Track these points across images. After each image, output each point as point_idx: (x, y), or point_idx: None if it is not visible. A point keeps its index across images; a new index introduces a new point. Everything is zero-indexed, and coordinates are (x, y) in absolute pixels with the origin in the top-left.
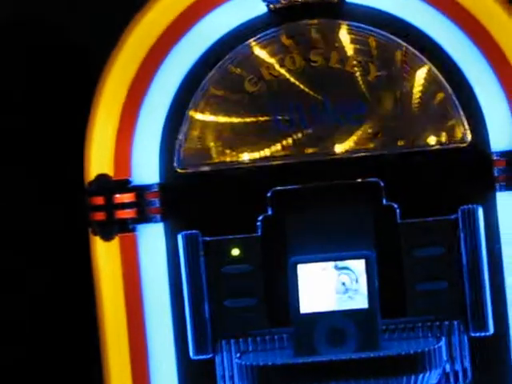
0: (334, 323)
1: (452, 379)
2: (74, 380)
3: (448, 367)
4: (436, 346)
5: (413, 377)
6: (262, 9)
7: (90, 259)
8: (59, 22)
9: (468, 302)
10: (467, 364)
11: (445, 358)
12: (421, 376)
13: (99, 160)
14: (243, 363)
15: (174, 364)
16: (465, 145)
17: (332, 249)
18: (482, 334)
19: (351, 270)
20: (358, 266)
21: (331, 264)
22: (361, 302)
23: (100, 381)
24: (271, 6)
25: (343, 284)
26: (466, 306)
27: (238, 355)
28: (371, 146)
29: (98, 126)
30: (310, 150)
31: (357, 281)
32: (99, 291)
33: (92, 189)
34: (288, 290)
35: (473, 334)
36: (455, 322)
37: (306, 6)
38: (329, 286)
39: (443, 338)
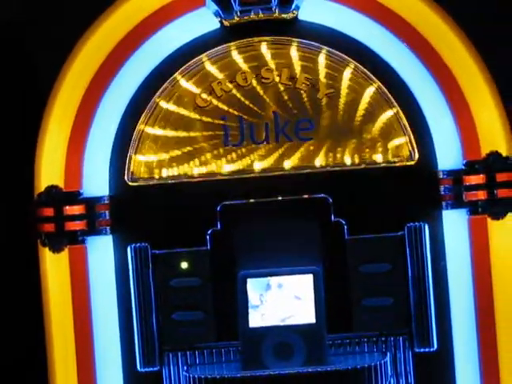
0: (281, 337)
1: None
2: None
3: (393, 382)
4: (382, 361)
5: None
6: (215, 24)
7: (37, 270)
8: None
9: (413, 317)
10: (411, 379)
11: (390, 373)
12: None
13: (50, 171)
14: (191, 375)
15: (120, 376)
16: (412, 163)
17: (280, 263)
18: (427, 349)
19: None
20: (306, 281)
21: (280, 278)
22: (308, 316)
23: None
24: (225, 22)
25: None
26: (411, 322)
27: (186, 368)
28: (320, 162)
29: (49, 137)
30: (259, 166)
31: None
32: (47, 302)
33: (42, 200)
34: (236, 303)
35: (417, 350)
36: (400, 338)
37: (259, 22)
38: (277, 300)
39: (388, 354)
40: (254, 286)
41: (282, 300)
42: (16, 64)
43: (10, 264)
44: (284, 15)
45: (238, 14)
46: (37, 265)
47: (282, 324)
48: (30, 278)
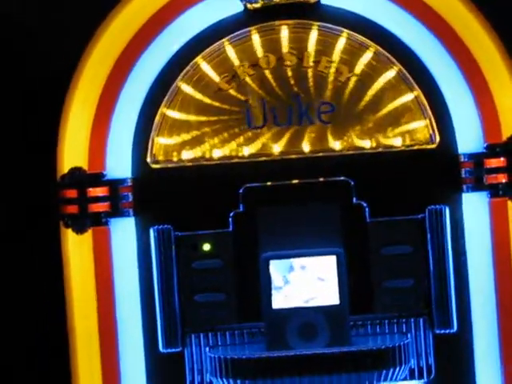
0: (305, 318)
1: (417, 375)
2: (44, 373)
3: (413, 363)
4: (406, 342)
5: (384, 371)
6: (238, 8)
7: (59, 251)
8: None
9: (433, 299)
10: (431, 360)
11: (412, 353)
12: (391, 371)
13: (73, 153)
14: (216, 356)
15: (142, 357)
16: (433, 146)
17: (302, 245)
18: (447, 331)
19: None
20: (329, 262)
21: (303, 260)
22: (331, 297)
23: (69, 373)
24: (248, 5)
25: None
26: (432, 304)
27: (209, 349)
28: (341, 145)
29: (73, 119)
30: (281, 149)
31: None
32: (69, 283)
33: (65, 182)
34: (258, 285)
35: (437, 331)
36: (420, 319)
37: (281, 6)
38: (300, 281)
39: (409, 335)
40: (276, 268)
41: (306, 281)
42: (38, 47)
43: (32, 245)
44: None
45: None
46: (58, 246)
47: (305, 305)
48: (52, 259)
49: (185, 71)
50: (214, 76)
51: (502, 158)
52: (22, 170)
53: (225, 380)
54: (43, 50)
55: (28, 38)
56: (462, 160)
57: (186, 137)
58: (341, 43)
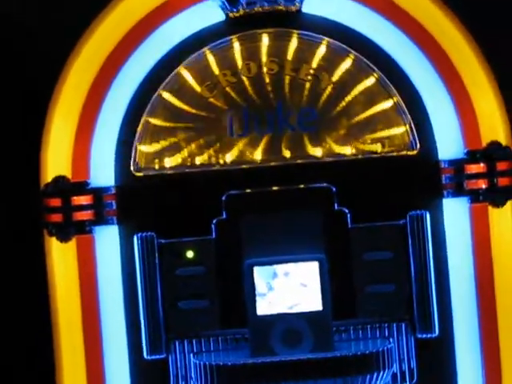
0: (289, 324)
1: (399, 379)
2: (28, 379)
3: (395, 367)
4: (389, 346)
5: (368, 376)
6: (219, 17)
7: (42, 261)
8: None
9: (415, 304)
10: (413, 364)
11: (395, 358)
12: (375, 375)
13: (57, 162)
14: (201, 362)
15: (127, 363)
16: (414, 152)
17: (285, 252)
18: (428, 335)
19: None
20: (312, 268)
21: (286, 266)
22: (314, 303)
23: (54, 380)
24: (230, 14)
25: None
26: (413, 309)
27: (194, 355)
28: (322, 152)
29: (56, 127)
30: (262, 156)
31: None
32: (54, 291)
33: (49, 190)
34: (241, 291)
35: (419, 336)
36: (403, 324)
37: (263, 14)
38: (284, 287)
39: (391, 340)
40: (260, 274)
41: (289, 287)
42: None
43: (15, 254)
44: (288, 7)
45: (244, 6)
46: (42, 255)
47: (289, 311)
48: (35, 267)
49: (167, 80)
50: (196, 84)
51: (481, 164)
52: (5, 179)
53: None
54: (27, 57)
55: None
56: (443, 166)
57: (168, 145)
58: (321, 51)
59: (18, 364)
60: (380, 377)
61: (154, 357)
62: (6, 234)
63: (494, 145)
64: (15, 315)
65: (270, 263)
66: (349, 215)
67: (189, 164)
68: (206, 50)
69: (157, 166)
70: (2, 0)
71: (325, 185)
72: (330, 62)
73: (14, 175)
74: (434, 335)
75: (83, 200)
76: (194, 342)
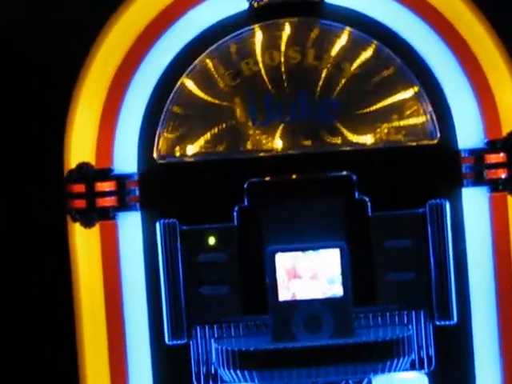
0: (311, 310)
1: (417, 366)
2: (51, 365)
3: (414, 355)
4: (408, 334)
5: (388, 362)
6: (243, 6)
7: (65, 246)
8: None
9: (434, 291)
10: (432, 351)
11: (414, 345)
12: (395, 362)
13: (81, 149)
14: (222, 348)
15: (149, 349)
16: (434, 142)
17: (306, 239)
18: (447, 322)
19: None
20: (333, 255)
21: (308, 253)
22: (336, 290)
23: (77, 365)
24: (254, 3)
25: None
26: (432, 296)
27: (216, 341)
28: (344, 141)
29: (80, 114)
30: (284, 145)
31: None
32: (77, 277)
33: (73, 176)
34: (262, 278)
35: (438, 323)
36: (421, 312)
37: (286, 4)
38: (306, 274)
39: (410, 327)
40: (282, 261)
41: (310, 274)
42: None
43: (38, 240)
44: None
45: None
46: (65, 241)
47: (310, 298)
48: (59, 253)
49: (190, 68)
50: (219, 73)
51: (501, 154)
52: (28, 168)
53: (232, 371)
54: (48, 46)
55: (33, 32)
56: (463, 155)
57: (191, 132)
58: (343, 40)
59: (41, 344)
60: (399, 363)
61: (175, 342)
62: (28, 223)
63: None
64: (38, 301)
65: (292, 250)
66: (369, 203)
67: (211, 152)
68: (232, 39)
69: (179, 154)
70: None
71: (345, 173)
72: (352, 52)
73: (40, 164)
74: (452, 323)
75: (107, 186)
76: (216, 328)
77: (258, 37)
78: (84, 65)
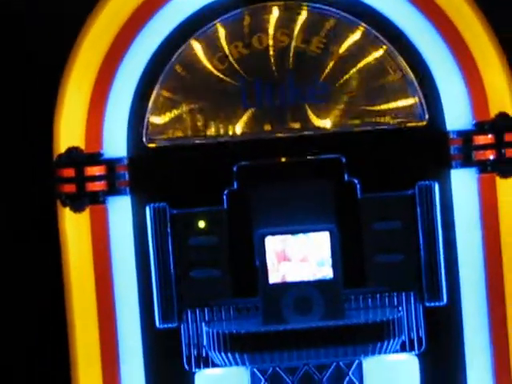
0: (301, 292)
1: (408, 347)
2: (41, 350)
3: (404, 336)
4: (398, 315)
5: (378, 344)
6: None
7: (55, 231)
8: None
9: (423, 273)
10: (422, 333)
11: (405, 326)
12: (385, 343)
13: (70, 133)
14: (213, 331)
15: (139, 332)
16: (423, 123)
17: (296, 222)
18: (436, 304)
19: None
20: (322, 238)
21: (297, 236)
22: (326, 272)
23: (67, 348)
24: None
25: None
26: (422, 278)
27: (206, 324)
28: (332, 123)
29: (69, 99)
30: (274, 127)
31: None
32: (67, 262)
33: (62, 161)
34: (252, 261)
35: (428, 304)
36: (411, 293)
37: None
38: (295, 256)
39: (401, 308)
40: (272, 244)
41: (300, 257)
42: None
43: (27, 225)
44: None
45: None
46: (54, 226)
47: (300, 280)
48: (48, 238)
49: (178, 52)
50: (207, 56)
51: (489, 135)
52: (17, 153)
53: (223, 354)
54: (37, 30)
55: (21, 17)
56: (451, 137)
57: (180, 116)
58: (331, 23)
59: (32, 332)
60: (390, 345)
61: (166, 325)
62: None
63: (502, 116)
64: (28, 283)
65: (282, 233)
66: (358, 186)
67: (200, 135)
68: (219, 22)
69: (168, 138)
70: None
71: (334, 156)
72: (340, 35)
73: (29, 149)
74: (442, 304)
75: (96, 171)
76: (206, 311)
77: (247, 20)
78: (72, 49)
